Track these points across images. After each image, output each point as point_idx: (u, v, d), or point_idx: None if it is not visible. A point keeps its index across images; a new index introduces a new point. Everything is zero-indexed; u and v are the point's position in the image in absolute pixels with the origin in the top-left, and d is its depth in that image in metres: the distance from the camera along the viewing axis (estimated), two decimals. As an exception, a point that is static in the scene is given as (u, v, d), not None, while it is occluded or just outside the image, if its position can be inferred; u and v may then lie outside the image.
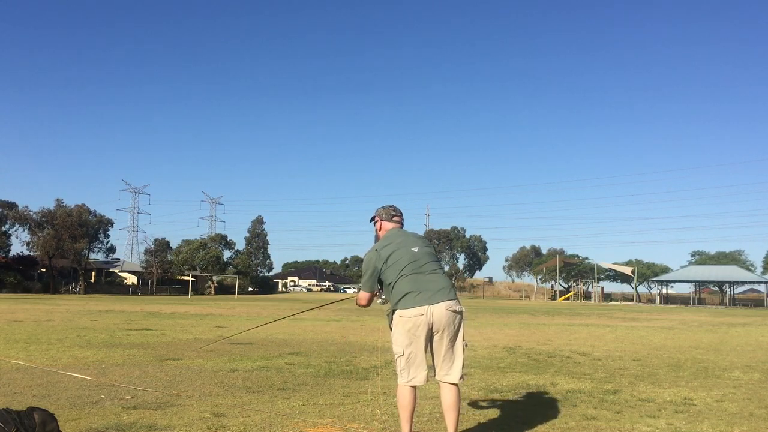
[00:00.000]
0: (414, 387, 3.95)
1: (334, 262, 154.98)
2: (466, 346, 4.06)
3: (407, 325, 3.93)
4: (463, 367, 3.98)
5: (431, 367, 4.00)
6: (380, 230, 4.42)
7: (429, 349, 3.99)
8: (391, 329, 4.07)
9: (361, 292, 4.30)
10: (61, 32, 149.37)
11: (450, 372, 3.95)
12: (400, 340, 3.97)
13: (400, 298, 3.97)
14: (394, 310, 4.03)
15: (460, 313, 4.00)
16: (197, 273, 78.31)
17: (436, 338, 3.96)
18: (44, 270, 68.55)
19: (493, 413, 5.27)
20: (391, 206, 4.49)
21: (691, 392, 6.63)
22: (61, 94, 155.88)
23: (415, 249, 4.11)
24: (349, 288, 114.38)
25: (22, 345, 10.01)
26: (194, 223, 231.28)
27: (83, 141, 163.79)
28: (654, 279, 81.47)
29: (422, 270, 4.03)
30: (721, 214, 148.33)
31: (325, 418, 4.96)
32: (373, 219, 4.51)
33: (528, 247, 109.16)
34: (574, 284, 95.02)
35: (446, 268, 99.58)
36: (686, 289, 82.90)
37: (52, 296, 50.33)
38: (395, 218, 4.41)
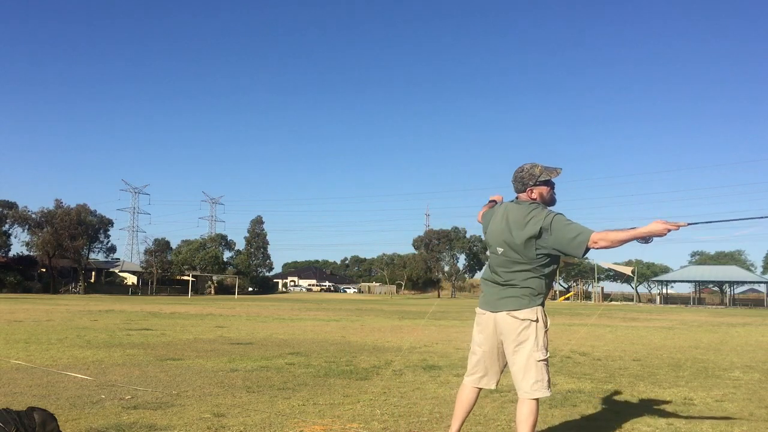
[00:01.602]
0: (475, 387, 3.82)
1: (334, 262, 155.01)
2: (541, 361, 3.60)
3: (476, 320, 3.87)
4: (536, 381, 3.56)
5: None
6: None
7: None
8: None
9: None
10: (60, 31, 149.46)
11: (517, 384, 3.66)
12: (473, 333, 3.92)
13: (481, 291, 3.92)
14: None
15: (528, 321, 3.61)
16: (197, 273, 78.32)
17: (503, 346, 3.74)
18: (44, 270, 68.58)
19: (493, 413, 5.26)
20: (517, 169, 3.79)
21: (691, 392, 6.63)
22: (61, 93, 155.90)
23: (501, 250, 3.69)
24: (349, 288, 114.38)
25: (22, 345, 10.01)
26: (194, 223, 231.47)
27: (83, 141, 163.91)
28: (654, 279, 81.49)
29: (499, 276, 3.73)
30: (721, 214, 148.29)
31: (325, 418, 4.95)
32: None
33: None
34: (574, 284, 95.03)
35: (446, 269, 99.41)
36: (686, 289, 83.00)
37: (52, 296, 50.33)
38: (514, 186, 3.84)
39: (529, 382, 3.58)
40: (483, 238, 4.03)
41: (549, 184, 3.76)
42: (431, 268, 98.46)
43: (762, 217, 4.12)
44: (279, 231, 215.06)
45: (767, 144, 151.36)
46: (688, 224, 3.59)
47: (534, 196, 3.72)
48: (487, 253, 3.88)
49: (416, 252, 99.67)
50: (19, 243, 76.57)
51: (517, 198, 3.81)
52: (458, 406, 3.85)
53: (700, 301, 75.42)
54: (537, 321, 3.63)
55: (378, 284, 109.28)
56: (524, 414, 3.55)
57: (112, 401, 5.43)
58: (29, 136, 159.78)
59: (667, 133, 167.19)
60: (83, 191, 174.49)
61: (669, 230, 3.44)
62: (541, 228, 3.55)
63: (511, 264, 3.66)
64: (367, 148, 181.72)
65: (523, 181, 3.73)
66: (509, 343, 3.66)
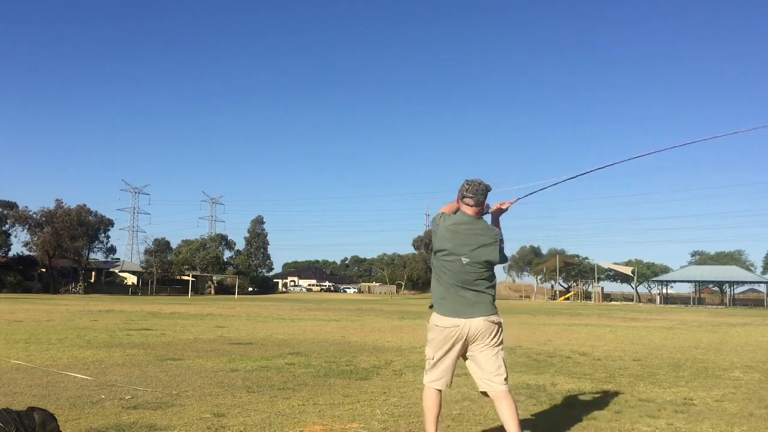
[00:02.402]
0: (439, 390, 3.93)
1: (334, 262, 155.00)
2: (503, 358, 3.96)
3: (441, 335, 3.90)
4: (505, 376, 3.90)
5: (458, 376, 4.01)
6: (452, 207, 4.13)
7: (466, 359, 4.01)
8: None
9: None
10: (61, 31, 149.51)
11: (490, 380, 3.89)
12: (432, 345, 3.96)
13: (439, 303, 3.96)
14: (432, 306, 4.01)
15: (499, 324, 3.95)
16: (197, 273, 78.30)
17: (474, 348, 3.91)
18: (44, 270, 68.57)
19: (493, 413, 5.25)
20: (472, 182, 4.02)
21: (691, 392, 6.63)
22: (61, 93, 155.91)
23: (466, 260, 3.89)
24: (349, 288, 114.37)
25: (22, 345, 10.01)
26: (194, 223, 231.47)
27: (83, 141, 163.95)
28: (654, 279, 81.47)
29: (466, 285, 3.90)
30: (721, 214, 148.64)
31: (325, 418, 4.96)
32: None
33: (528, 247, 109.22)
34: (574, 284, 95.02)
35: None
36: (686, 289, 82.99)
37: (52, 296, 50.33)
38: (466, 200, 4.00)
39: (502, 377, 3.90)
40: (438, 243, 4.00)
41: None
42: (431, 268, 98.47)
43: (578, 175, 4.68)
44: (279, 231, 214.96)
45: (767, 144, 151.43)
46: (518, 199, 4.41)
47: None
48: (447, 258, 3.94)
49: (416, 252, 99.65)
50: (19, 243, 76.56)
51: (462, 210, 4.04)
52: (431, 411, 3.93)
53: (700, 301, 75.41)
54: (502, 323, 4.03)
55: (378, 284, 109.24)
56: (509, 405, 3.84)
57: (112, 401, 5.43)
58: (29, 136, 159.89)
59: (667, 133, 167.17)
60: (83, 191, 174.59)
61: (506, 208, 4.31)
62: (499, 241, 4.02)
63: (477, 273, 3.93)
64: (367, 148, 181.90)
65: (484, 194, 4.04)
66: (483, 345, 3.91)
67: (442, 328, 3.91)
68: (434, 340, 3.95)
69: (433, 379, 3.94)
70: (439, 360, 3.93)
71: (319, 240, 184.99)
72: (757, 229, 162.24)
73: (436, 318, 3.96)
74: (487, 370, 3.89)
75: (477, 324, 3.86)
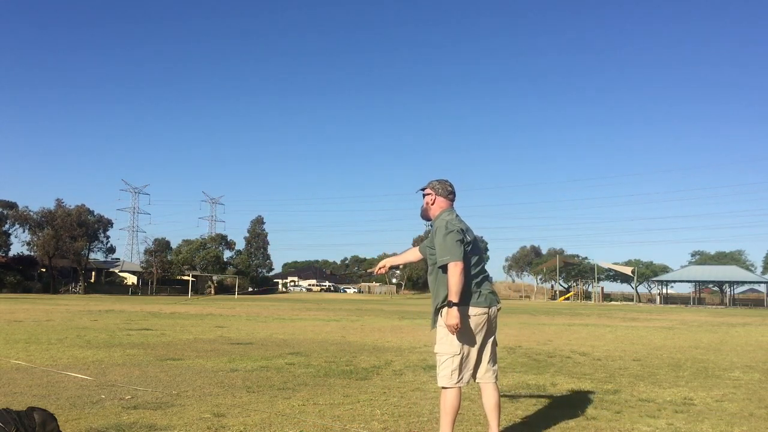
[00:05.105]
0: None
1: (334, 262, 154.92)
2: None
3: (474, 323, 3.82)
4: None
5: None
6: (433, 204, 4.04)
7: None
8: (434, 326, 3.93)
9: (458, 263, 3.70)
10: (61, 32, 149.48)
11: (490, 370, 3.96)
12: (459, 339, 3.79)
13: (474, 295, 3.84)
14: (443, 306, 3.78)
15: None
16: (197, 273, 78.28)
17: (485, 339, 3.96)
18: (44, 270, 68.57)
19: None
20: (447, 181, 4.08)
21: (691, 392, 6.63)
22: (62, 93, 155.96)
23: (480, 246, 4.06)
24: (349, 288, 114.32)
25: (22, 345, 10.01)
26: (194, 223, 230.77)
27: (83, 141, 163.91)
28: (654, 279, 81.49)
29: (486, 269, 4.03)
30: (721, 214, 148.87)
31: (325, 418, 4.95)
32: (423, 189, 4.11)
33: (528, 247, 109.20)
34: (574, 284, 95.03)
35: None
36: (686, 289, 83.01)
37: (52, 296, 50.34)
38: (451, 196, 4.04)
39: (497, 368, 4.04)
40: (467, 237, 3.91)
41: None
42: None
43: None
44: (279, 231, 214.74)
45: (767, 144, 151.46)
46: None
47: None
48: (474, 251, 4.00)
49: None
50: (20, 243, 76.61)
51: (452, 207, 4.10)
52: (455, 411, 3.85)
53: (700, 301, 75.42)
54: None
55: (378, 284, 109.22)
56: (498, 398, 3.95)
57: (112, 401, 5.43)
58: (29, 136, 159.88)
59: (667, 134, 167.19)
60: (83, 191, 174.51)
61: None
62: None
63: (484, 263, 4.12)
64: (367, 147, 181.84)
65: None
66: (490, 335, 4.01)
67: (474, 317, 3.83)
68: (461, 333, 3.77)
69: (461, 378, 3.82)
70: (468, 354, 3.84)
71: (319, 240, 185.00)
72: (757, 229, 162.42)
73: (468, 309, 3.80)
74: (484, 359, 3.95)
75: (493, 313, 3.98)
